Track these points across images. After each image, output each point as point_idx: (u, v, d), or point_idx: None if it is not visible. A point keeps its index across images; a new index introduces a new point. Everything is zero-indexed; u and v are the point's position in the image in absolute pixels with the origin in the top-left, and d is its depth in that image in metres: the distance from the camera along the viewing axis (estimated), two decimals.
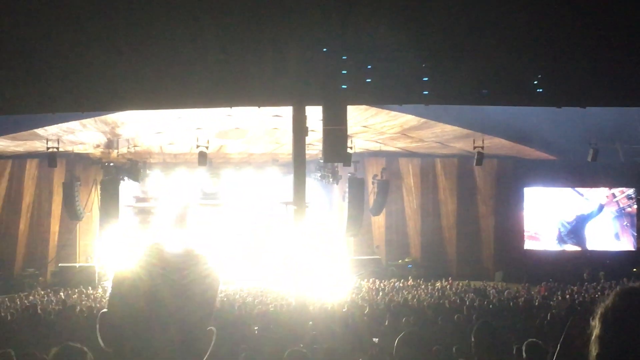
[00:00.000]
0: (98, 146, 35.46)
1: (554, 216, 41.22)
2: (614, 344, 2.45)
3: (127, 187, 37.52)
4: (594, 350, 2.51)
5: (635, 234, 40.64)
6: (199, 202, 42.10)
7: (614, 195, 40.81)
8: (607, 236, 40.84)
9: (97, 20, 16.53)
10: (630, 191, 40.29)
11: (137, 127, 31.14)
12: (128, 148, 35.26)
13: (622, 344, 2.43)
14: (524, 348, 8.73)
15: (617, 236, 40.78)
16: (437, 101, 21.61)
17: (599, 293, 29.01)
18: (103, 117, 28.48)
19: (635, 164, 39.35)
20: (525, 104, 22.98)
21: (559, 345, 2.93)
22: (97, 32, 16.80)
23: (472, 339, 7.49)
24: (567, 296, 28.41)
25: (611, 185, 40.67)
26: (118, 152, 34.58)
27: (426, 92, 19.32)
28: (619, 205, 40.76)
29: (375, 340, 12.94)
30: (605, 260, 39.69)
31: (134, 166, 34.86)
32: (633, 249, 40.55)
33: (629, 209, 40.78)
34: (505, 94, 19.85)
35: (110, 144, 34.40)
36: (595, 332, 2.52)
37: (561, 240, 41.05)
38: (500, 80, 19.30)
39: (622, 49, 18.18)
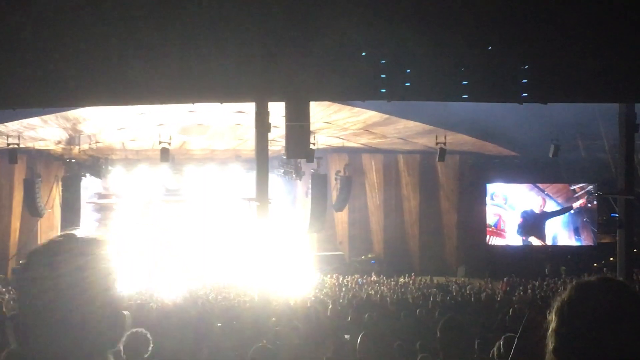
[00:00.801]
0: (59, 142, 35.21)
1: (516, 211, 41.49)
2: (570, 337, 2.47)
3: (88, 184, 37.28)
4: (550, 343, 2.53)
5: (596, 230, 41.02)
6: (162, 198, 41.95)
7: (574, 192, 41.15)
8: (567, 232, 41.17)
9: (58, 14, 16.40)
10: (590, 187, 40.62)
11: (99, 123, 30.93)
12: (90, 144, 35.02)
13: (578, 338, 2.45)
14: (501, 342, 8.78)
15: (577, 232, 41.12)
16: (398, 97, 21.64)
17: (560, 288, 29.24)
18: (64, 113, 28.25)
19: (596, 159, 39.70)
20: (491, 101, 23.06)
21: (516, 339, 2.96)
22: (58, 26, 16.67)
23: (438, 334, 7.52)
24: (529, 291, 28.63)
25: (572, 181, 41.01)
26: (80, 148, 34.33)
27: (383, 90, 19.32)
28: (579, 200, 41.12)
29: (347, 337, 12.95)
30: (566, 256, 40.08)
31: (95, 162, 34.62)
32: (593, 245, 40.94)
33: (589, 205, 41.13)
34: (464, 89, 19.89)
35: (71, 140, 34.14)
36: (552, 325, 2.54)
37: (522, 232, 41.32)
38: (463, 75, 19.36)
39: (584, 44, 18.33)
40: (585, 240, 41.03)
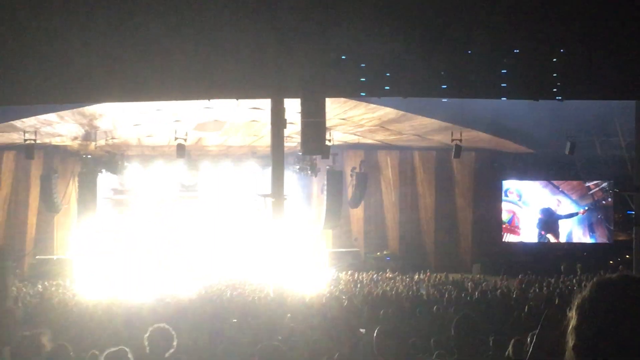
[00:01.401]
0: (76, 138, 35.29)
1: (531, 208, 41.39)
2: (590, 334, 2.47)
3: (105, 180, 37.41)
4: (570, 341, 2.53)
5: (611, 227, 40.87)
6: (177, 194, 42.02)
7: (588, 189, 41.00)
8: (581, 229, 41.04)
9: (75, 11, 16.46)
10: (605, 184, 40.46)
11: (115, 119, 31.00)
12: (106, 140, 35.10)
13: (598, 335, 2.45)
14: (510, 346, 8.77)
15: (591, 228, 40.97)
16: (416, 94, 21.63)
17: (576, 285, 29.16)
18: (81, 109, 28.32)
19: (612, 157, 39.55)
20: (497, 97, 23.00)
21: (535, 337, 2.95)
22: (75, 23, 16.73)
23: (452, 332, 7.51)
24: (545, 288, 28.53)
25: (588, 178, 40.88)
26: (96, 144, 34.41)
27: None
28: (593, 198, 40.96)
29: (362, 330, 12.96)
30: (582, 253, 39.94)
31: (112, 158, 34.72)
32: (608, 242, 40.80)
33: (603, 202, 40.98)
34: (477, 86, 19.86)
35: (88, 136, 34.21)
36: (572, 323, 2.53)
37: (541, 228, 41.22)
38: (470, 72, 19.34)
39: (600, 43, 18.28)
40: (600, 237, 40.87)
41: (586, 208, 40.87)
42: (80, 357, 9.45)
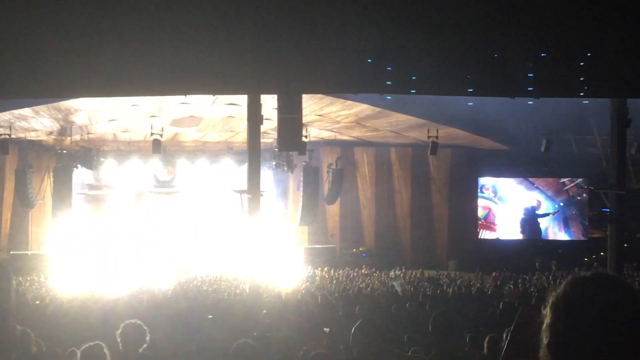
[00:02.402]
0: (51, 133, 35.14)
1: (508, 205, 41.57)
2: (565, 332, 2.48)
3: (80, 175, 37.22)
4: (544, 338, 2.53)
5: (586, 224, 41.10)
6: (153, 190, 41.91)
7: (563, 185, 41.23)
8: (557, 225, 41.24)
9: (52, 5, 16.36)
10: (580, 180, 40.65)
11: (91, 114, 30.87)
12: (82, 135, 34.97)
13: (573, 333, 2.46)
14: (485, 343, 8.81)
15: (566, 223, 41.18)
16: (393, 91, 21.65)
17: (551, 282, 29.33)
18: (56, 104, 28.18)
19: (587, 154, 39.76)
20: (479, 95, 23.09)
21: (509, 334, 2.96)
22: (52, 18, 16.63)
23: (429, 328, 7.54)
24: (520, 285, 28.69)
25: (563, 175, 41.08)
26: (71, 139, 34.28)
27: (389, 82, 19.32)
28: (568, 194, 41.18)
29: (326, 330, 12.96)
30: (557, 250, 40.16)
31: (87, 153, 34.56)
32: (583, 239, 41.02)
33: (578, 198, 41.20)
34: (468, 83, 19.91)
35: (63, 131, 34.07)
36: (547, 320, 2.54)
37: (522, 228, 41.45)
38: (447, 69, 19.38)
39: (576, 41, 18.36)
40: (576, 233, 41.08)
41: (557, 209, 41.07)
42: (54, 353, 9.42)
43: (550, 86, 20.05)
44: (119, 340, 7.70)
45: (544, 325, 2.55)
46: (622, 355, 2.42)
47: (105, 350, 7.10)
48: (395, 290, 29.32)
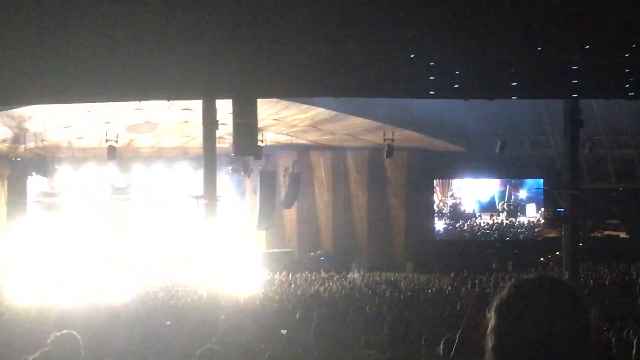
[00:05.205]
0: (4, 141, 34.75)
1: (465, 206, 41.94)
2: (509, 335, 2.51)
3: (35, 183, 36.85)
4: (489, 342, 2.57)
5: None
6: (109, 197, 41.60)
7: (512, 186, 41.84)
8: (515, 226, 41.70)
9: (3, 11, 16.24)
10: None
11: (45, 121, 30.61)
12: (36, 143, 34.64)
13: (516, 336, 2.49)
14: (441, 345, 8.86)
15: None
16: (347, 93, 21.70)
17: (508, 283, 29.51)
18: (9, 112, 27.91)
19: (542, 155, 40.16)
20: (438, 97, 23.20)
21: (457, 337, 3.00)
22: (2, 24, 16.50)
23: (385, 330, 7.57)
24: (477, 286, 28.85)
25: (519, 176, 41.50)
26: (25, 147, 33.95)
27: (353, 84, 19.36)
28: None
29: (284, 332, 12.98)
30: (513, 250, 40.51)
31: (42, 161, 34.24)
32: (540, 238, 41.43)
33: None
34: (428, 84, 19.99)
35: (17, 139, 33.71)
36: (491, 323, 2.58)
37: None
38: (399, 72, 19.47)
39: (532, 41, 18.54)
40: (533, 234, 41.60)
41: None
42: None
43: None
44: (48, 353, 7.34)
45: (489, 328, 2.58)
46: (564, 356, 2.45)
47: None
48: (353, 278, 29.68)
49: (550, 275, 2.64)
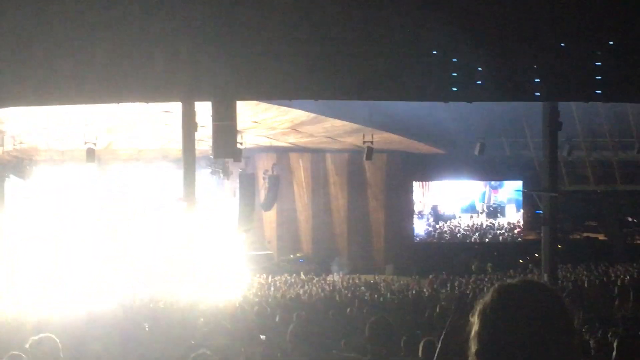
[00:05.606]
0: None
1: (447, 208, 42.07)
2: (492, 340, 2.49)
3: (13, 185, 36.62)
4: (473, 346, 2.55)
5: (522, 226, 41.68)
6: (88, 199, 41.39)
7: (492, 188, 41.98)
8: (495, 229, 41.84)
9: None
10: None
11: (23, 123, 30.43)
12: (14, 145, 34.44)
13: (499, 341, 2.47)
14: (420, 347, 8.83)
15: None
16: (327, 96, 21.70)
17: (488, 285, 29.61)
18: None
19: (520, 157, 40.29)
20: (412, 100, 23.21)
21: (440, 342, 2.98)
22: None
23: (366, 333, 7.56)
24: (456, 288, 28.91)
25: (497, 178, 41.66)
26: (3, 149, 33.75)
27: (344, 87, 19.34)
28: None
29: (263, 337, 12.94)
30: (492, 252, 40.62)
31: (19, 163, 34.04)
32: (520, 240, 41.59)
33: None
34: (387, 89, 19.99)
35: None
36: (474, 328, 2.56)
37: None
38: (381, 75, 19.46)
39: (512, 42, 18.58)
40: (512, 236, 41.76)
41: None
42: None
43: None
44: (30, 353, 7.31)
45: (472, 332, 2.56)
46: None
47: None
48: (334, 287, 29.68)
49: (534, 279, 2.63)
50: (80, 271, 37.84)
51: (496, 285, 2.62)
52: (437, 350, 2.99)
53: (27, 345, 7.27)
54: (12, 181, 34.49)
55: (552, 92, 20.22)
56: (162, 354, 12.10)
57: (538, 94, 19.85)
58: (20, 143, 34.55)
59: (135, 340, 13.94)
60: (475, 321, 2.56)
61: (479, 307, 2.57)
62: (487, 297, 2.57)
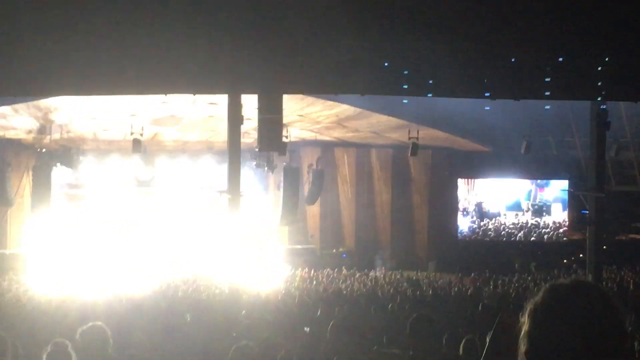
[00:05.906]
0: (30, 132, 34.93)
1: (492, 206, 41.82)
2: (543, 340, 2.46)
3: (59, 174, 36.96)
4: (522, 346, 2.52)
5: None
6: (133, 189, 41.66)
7: (538, 186, 41.62)
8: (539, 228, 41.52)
9: (28, 4, 16.28)
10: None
11: (71, 113, 30.72)
12: (61, 134, 34.77)
13: (550, 341, 2.44)
14: (461, 345, 8.80)
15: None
16: (373, 91, 21.64)
17: (531, 284, 29.40)
18: (36, 103, 28.06)
19: (567, 156, 39.92)
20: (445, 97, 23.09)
21: (488, 341, 2.95)
22: (29, 16, 16.54)
23: (408, 329, 7.54)
24: (499, 287, 28.74)
25: (544, 177, 41.30)
26: (51, 138, 34.08)
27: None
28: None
29: (307, 329, 12.95)
30: (536, 251, 40.31)
31: (66, 152, 34.32)
32: (565, 240, 41.21)
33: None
34: (432, 85, 19.90)
35: (43, 130, 33.88)
36: (525, 328, 2.53)
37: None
38: (426, 70, 19.38)
39: (557, 43, 18.41)
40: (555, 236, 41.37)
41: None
42: (31, 353, 9.34)
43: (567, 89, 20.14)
44: (79, 342, 7.44)
45: (522, 332, 2.54)
46: None
47: (70, 349, 6.98)
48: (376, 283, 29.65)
49: (584, 280, 2.60)
50: (123, 260, 38.09)
51: (547, 285, 2.59)
52: (486, 348, 2.96)
53: (77, 336, 7.37)
54: (59, 169, 34.77)
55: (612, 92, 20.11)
56: (204, 345, 12.16)
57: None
58: (68, 132, 34.88)
59: (178, 331, 14.03)
60: (525, 321, 2.54)
61: (529, 307, 2.55)
62: (538, 297, 2.55)
